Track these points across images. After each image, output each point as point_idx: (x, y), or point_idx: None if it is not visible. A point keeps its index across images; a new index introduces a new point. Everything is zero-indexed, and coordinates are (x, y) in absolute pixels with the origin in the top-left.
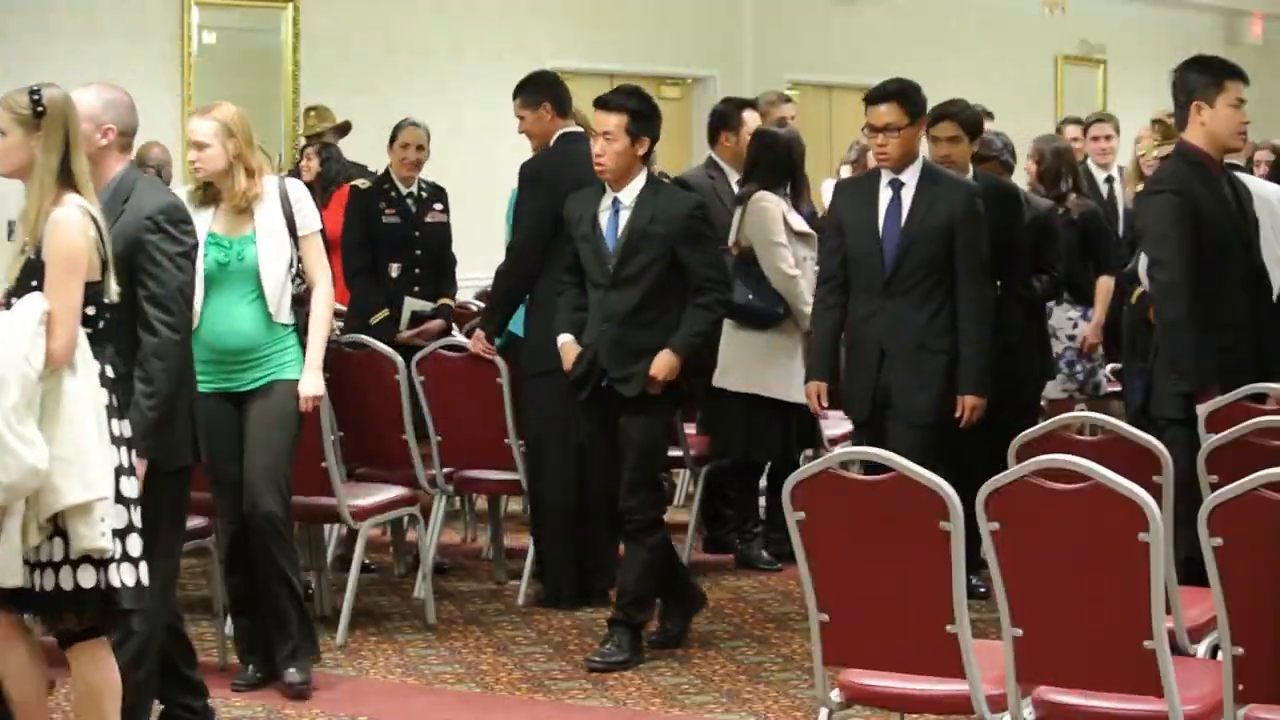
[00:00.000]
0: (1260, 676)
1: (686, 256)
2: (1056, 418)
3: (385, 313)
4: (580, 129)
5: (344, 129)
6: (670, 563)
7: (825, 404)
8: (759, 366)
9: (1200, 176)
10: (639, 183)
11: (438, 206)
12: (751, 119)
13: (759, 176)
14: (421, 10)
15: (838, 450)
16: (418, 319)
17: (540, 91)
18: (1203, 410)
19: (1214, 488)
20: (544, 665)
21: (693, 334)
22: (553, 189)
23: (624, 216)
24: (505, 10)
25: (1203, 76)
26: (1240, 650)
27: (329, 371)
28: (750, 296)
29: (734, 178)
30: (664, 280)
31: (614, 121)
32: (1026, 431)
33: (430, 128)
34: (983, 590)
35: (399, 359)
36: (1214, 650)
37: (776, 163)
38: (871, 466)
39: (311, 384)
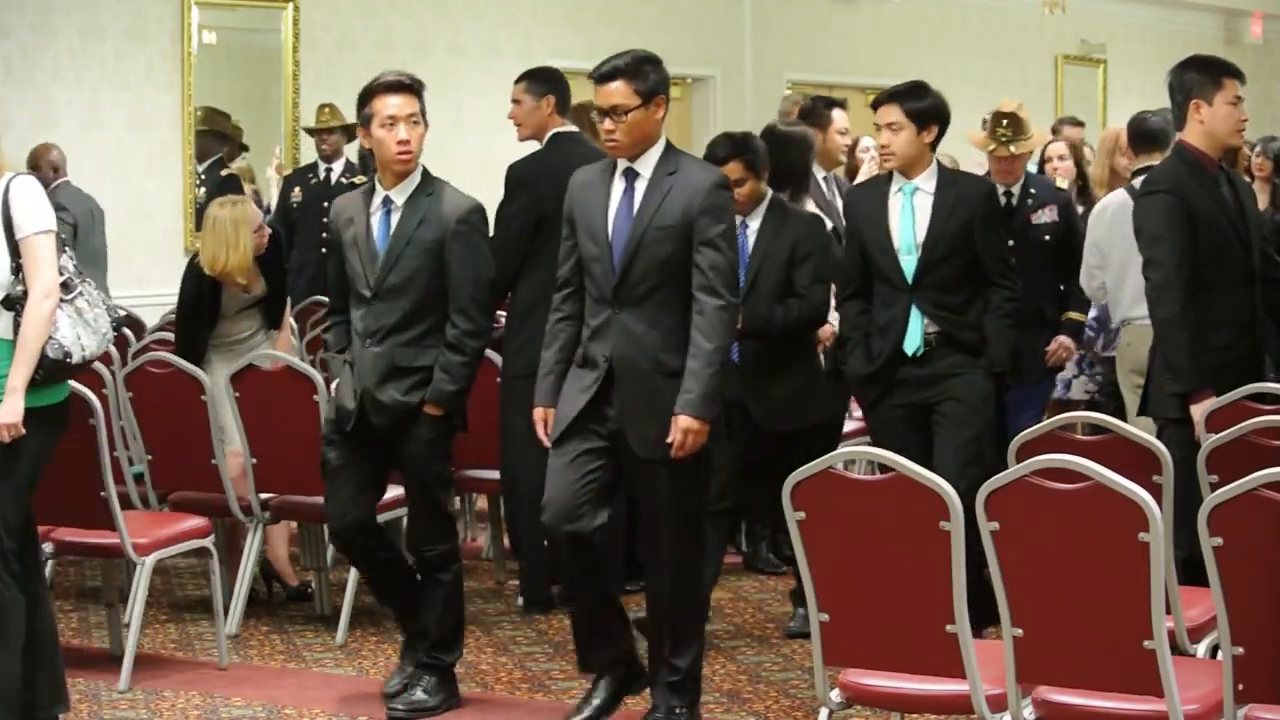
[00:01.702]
0: (1260, 676)
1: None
2: (1056, 418)
3: None
4: (574, 129)
5: (353, 132)
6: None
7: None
8: None
9: (1196, 176)
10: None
11: None
12: (840, 118)
13: (778, 179)
14: (421, 10)
15: (838, 450)
16: None
17: (547, 84)
18: (1197, 411)
19: (1214, 488)
20: (544, 665)
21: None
22: (535, 191)
23: (394, 218)
24: (505, 10)
25: (1201, 75)
26: (1240, 650)
27: (327, 370)
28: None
29: (821, 176)
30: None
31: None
32: (1026, 431)
33: (430, 127)
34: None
35: None
36: (1214, 650)
37: (774, 162)
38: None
39: (7, 410)
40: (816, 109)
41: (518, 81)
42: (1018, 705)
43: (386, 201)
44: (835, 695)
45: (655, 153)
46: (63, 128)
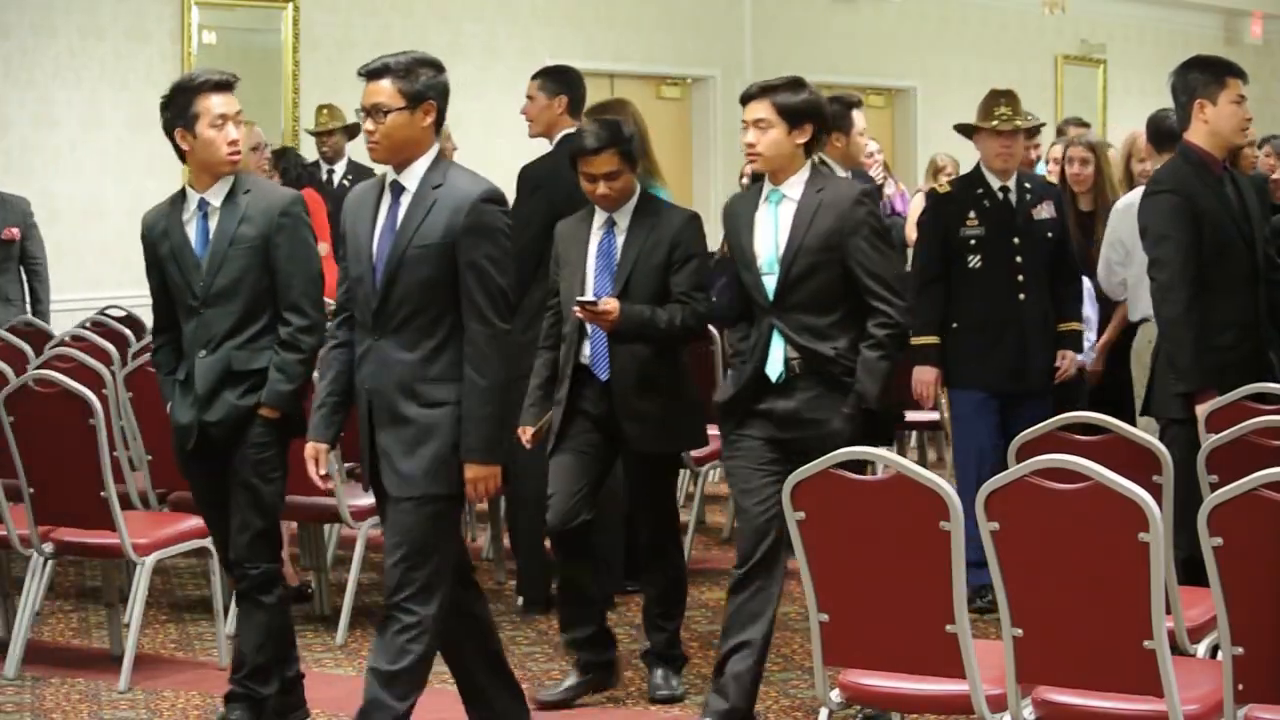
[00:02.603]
0: (1260, 676)
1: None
2: (1056, 418)
3: None
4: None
5: (354, 131)
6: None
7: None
8: None
9: (1201, 176)
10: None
11: None
12: (861, 118)
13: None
14: (421, 10)
15: (838, 450)
16: None
17: (563, 85)
18: (1201, 411)
19: (1214, 488)
20: (544, 665)
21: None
22: (547, 193)
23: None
24: (505, 10)
25: (1204, 75)
26: (1240, 650)
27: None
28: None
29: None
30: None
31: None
32: (1026, 431)
33: None
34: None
35: None
36: (1214, 650)
37: None
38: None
39: None
40: (837, 110)
41: (534, 78)
42: (1018, 705)
43: (202, 204)
44: (835, 695)
45: (422, 164)
46: (63, 128)
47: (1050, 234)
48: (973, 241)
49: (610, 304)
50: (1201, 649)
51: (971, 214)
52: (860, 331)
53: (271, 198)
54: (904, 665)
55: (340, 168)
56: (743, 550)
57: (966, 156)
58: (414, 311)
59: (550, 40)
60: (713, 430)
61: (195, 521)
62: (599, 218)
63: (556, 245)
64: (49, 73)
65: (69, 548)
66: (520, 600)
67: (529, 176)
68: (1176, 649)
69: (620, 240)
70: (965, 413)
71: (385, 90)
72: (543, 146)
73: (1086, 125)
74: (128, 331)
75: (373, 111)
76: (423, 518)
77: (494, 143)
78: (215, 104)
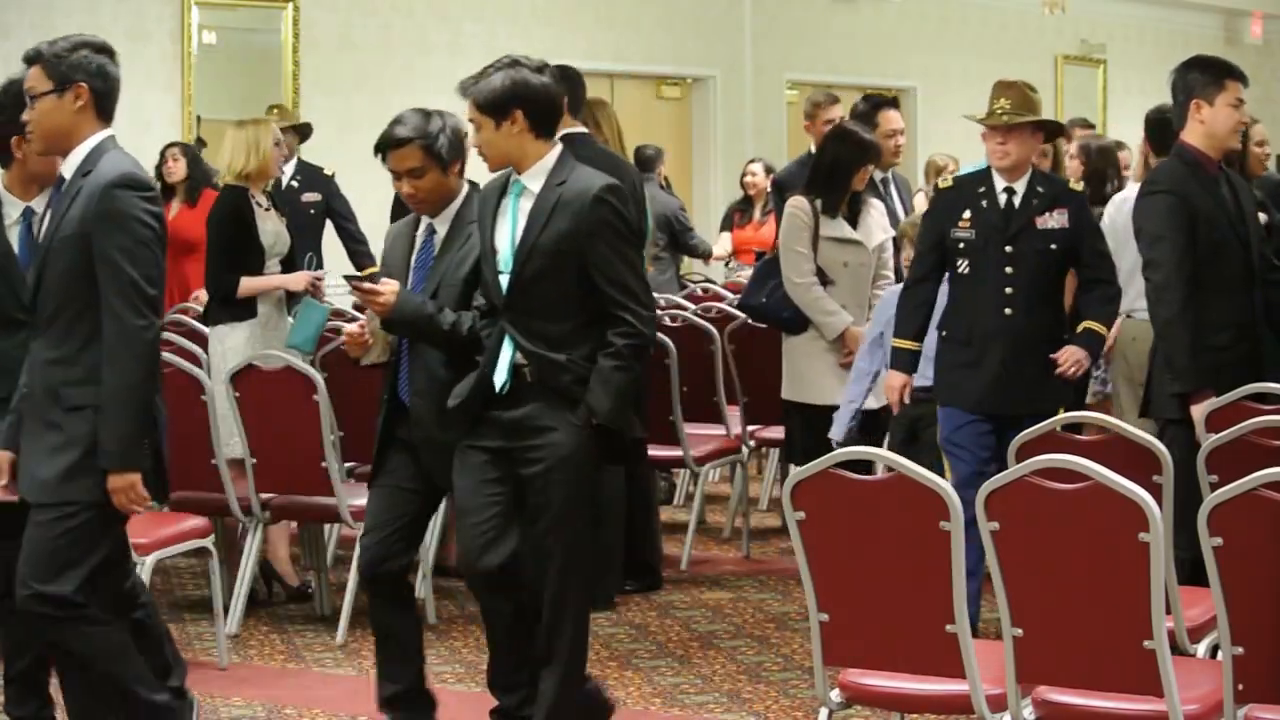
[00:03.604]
0: (1260, 676)
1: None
2: (1056, 418)
3: None
4: (583, 130)
5: (306, 131)
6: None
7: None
8: (789, 371)
9: (1197, 176)
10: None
11: None
12: (887, 120)
13: (809, 180)
14: (421, 10)
15: (838, 450)
16: None
17: (561, 84)
18: (1198, 412)
19: (1214, 487)
20: None
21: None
22: None
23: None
24: (505, 10)
25: (1203, 76)
26: (1240, 650)
27: (326, 370)
28: (764, 300)
29: (879, 178)
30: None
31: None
32: (1026, 431)
33: None
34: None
35: None
36: (1214, 650)
37: (816, 169)
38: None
39: None
40: (866, 112)
41: None
42: (1018, 705)
43: (27, 214)
44: (835, 695)
45: (79, 153)
46: None
47: (1055, 245)
48: (961, 245)
49: (389, 284)
50: (1201, 649)
51: (966, 214)
52: (603, 341)
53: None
54: (904, 665)
55: (290, 168)
56: (458, 560)
57: (967, 156)
58: (57, 309)
59: (550, 40)
60: (713, 430)
61: (195, 521)
62: (423, 222)
63: (384, 248)
64: None
65: None
66: None
67: None
68: (1176, 649)
69: (437, 249)
70: (951, 433)
71: (33, 75)
72: None
73: (1091, 126)
74: None
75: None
76: (58, 527)
77: None
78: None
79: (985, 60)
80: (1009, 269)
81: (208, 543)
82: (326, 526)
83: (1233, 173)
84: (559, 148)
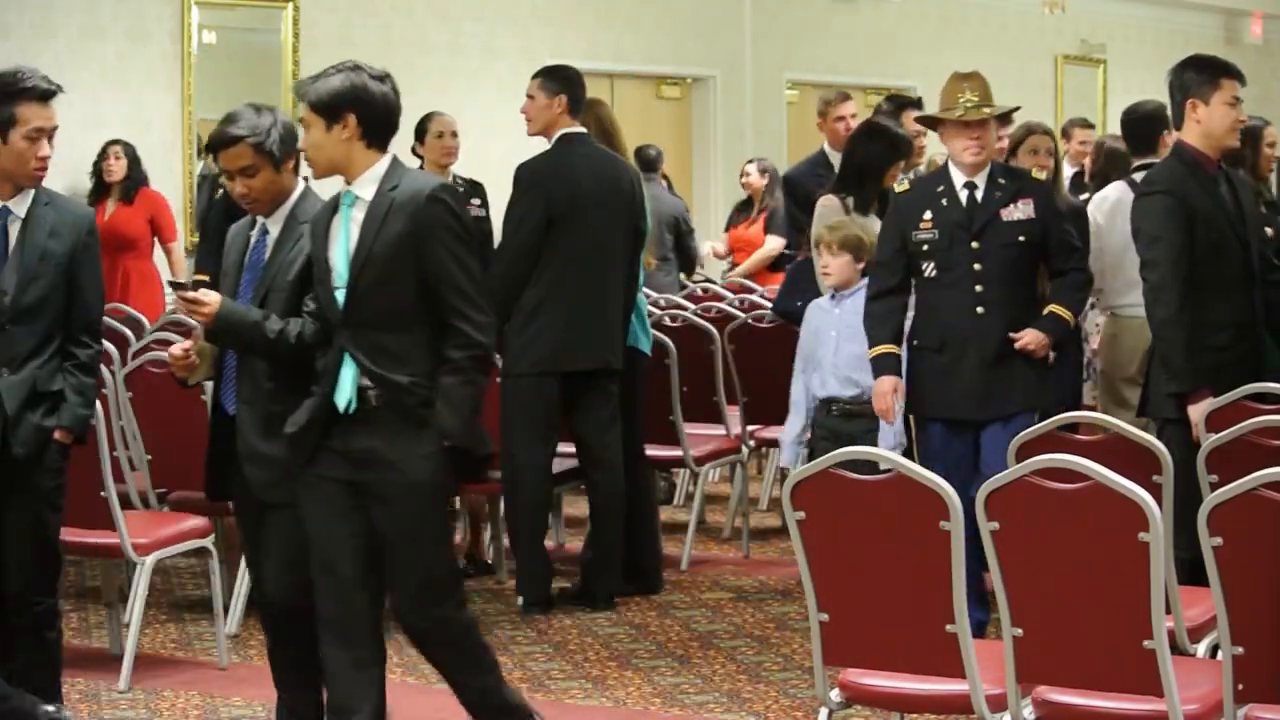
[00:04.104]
0: (1260, 676)
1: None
2: (1056, 417)
3: None
4: (582, 130)
5: None
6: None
7: None
8: None
9: (1195, 176)
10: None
11: (475, 202)
12: (911, 121)
13: (839, 178)
14: (421, 10)
15: (838, 450)
16: None
17: (562, 84)
18: (1195, 412)
19: (1214, 487)
20: (544, 665)
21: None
22: (545, 191)
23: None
24: (505, 10)
25: (1199, 75)
26: (1240, 650)
27: None
28: (799, 303)
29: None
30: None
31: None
32: (1026, 431)
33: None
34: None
35: None
36: (1214, 650)
37: (846, 166)
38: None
39: None
40: (887, 110)
41: (534, 77)
42: (1018, 705)
43: (3, 213)
44: (835, 695)
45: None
46: (62, 127)
47: (1023, 237)
48: (925, 247)
49: (210, 294)
50: (1201, 649)
51: (926, 215)
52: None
53: (77, 214)
54: (904, 665)
55: None
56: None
57: None
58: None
59: (550, 40)
60: (713, 430)
61: (195, 521)
62: (258, 222)
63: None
64: (49, 73)
65: (69, 547)
66: (520, 600)
67: (525, 174)
68: (1176, 649)
69: (269, 251)
70: (929, 446)
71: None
72: (541, 145)
73: (1091, 126)
74: (128, 331)
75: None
76: None
77: (493, 142)
78: (36, 115)
79: (985, 60)
80: (977, 266)
81: (208, 543)
82: None
83: (1233, 172)
84: (390, 157)
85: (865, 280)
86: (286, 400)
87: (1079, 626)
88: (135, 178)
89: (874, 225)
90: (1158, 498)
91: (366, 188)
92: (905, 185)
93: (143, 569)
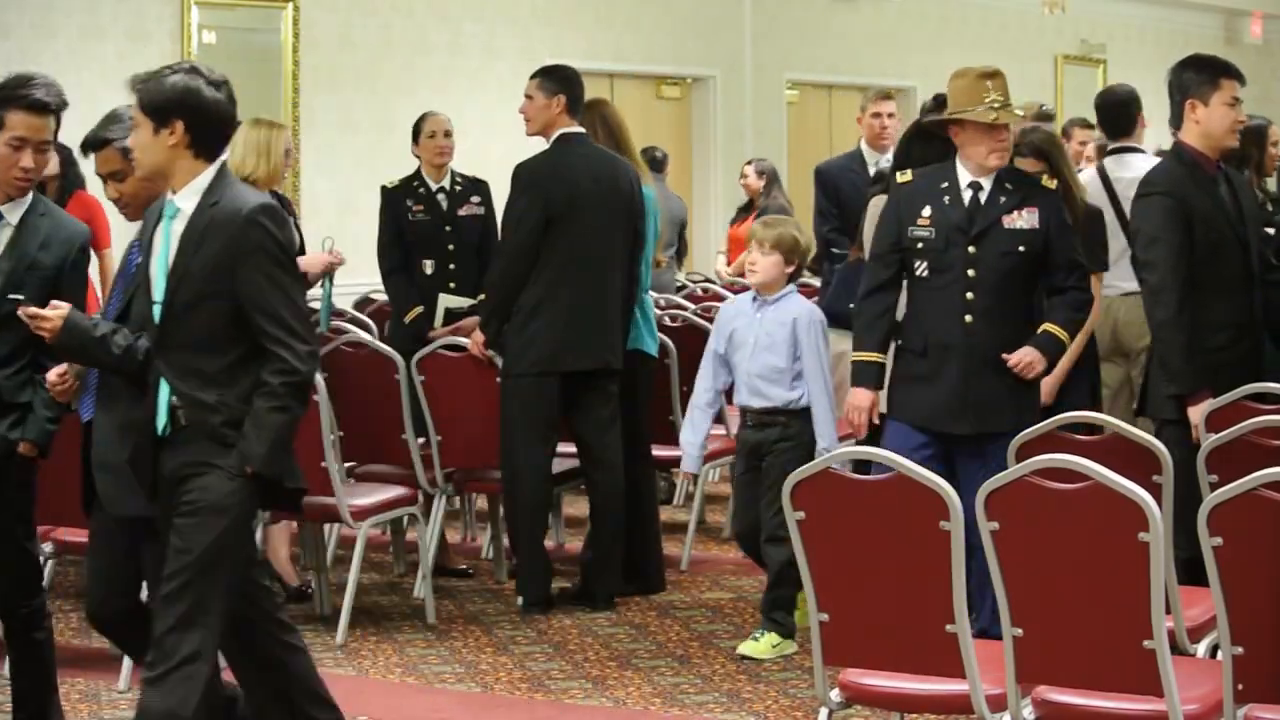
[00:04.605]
0: (1260, 676)
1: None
2: (1055, 417)
3: (419, 310)
4: (581, 130)
5: None
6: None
7: None
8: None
9: (1194, 176)
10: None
11: (474, 200)
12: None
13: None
14: (421, 10)
15: (838, 450)
16: (453, 316)
17: (561, 84)
18: (1195, 413)
19: (1214, 487)
20: (544, 665)
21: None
22: (544, 191)
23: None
24: (505, 10)
25: (1198, 75)
26: (1240, 650)
27: (326, 370)
28: (851, 305)
29: None
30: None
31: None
32: (1026, 431)
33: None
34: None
35: (398, 358)
36: (1214, 650)
37: (900, 166)
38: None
39: None
40: (936, 109)
41: (533, 77)
42: (1018, 705)
43: None
44: (835, 695)
45: None
46: (62, 128)
47: (1024, 247)
48: (920, 245)
49: (54, 311)
50: (1201, 649)
51: (926, 211)
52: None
53: (70, 228)
54: (904, 665)
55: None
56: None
57: None
58: None
59: (550, 40)
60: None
61: None
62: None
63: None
64: (49, 72)
65: (69, 547)
66: (520, 600)
67: (523, 174)
68: (1176, 649)
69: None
70: (894, 447)
71: None
72: (541, 145)
73: (1091, 126)
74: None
75: None
76: None
77: (493, 142)
78: (21, 124)
79: (985, 60)
80: (971, 271)
81: None
82: (326, 526)
83: (1232, 171)
84: (215, 168)
85: (790, 288)
86: (131, 406)
87: (1079, 626)
88: (70, 179)
89: None
90: (1158, 498)
91: (188, 199)
92: (908, 176)
93: None
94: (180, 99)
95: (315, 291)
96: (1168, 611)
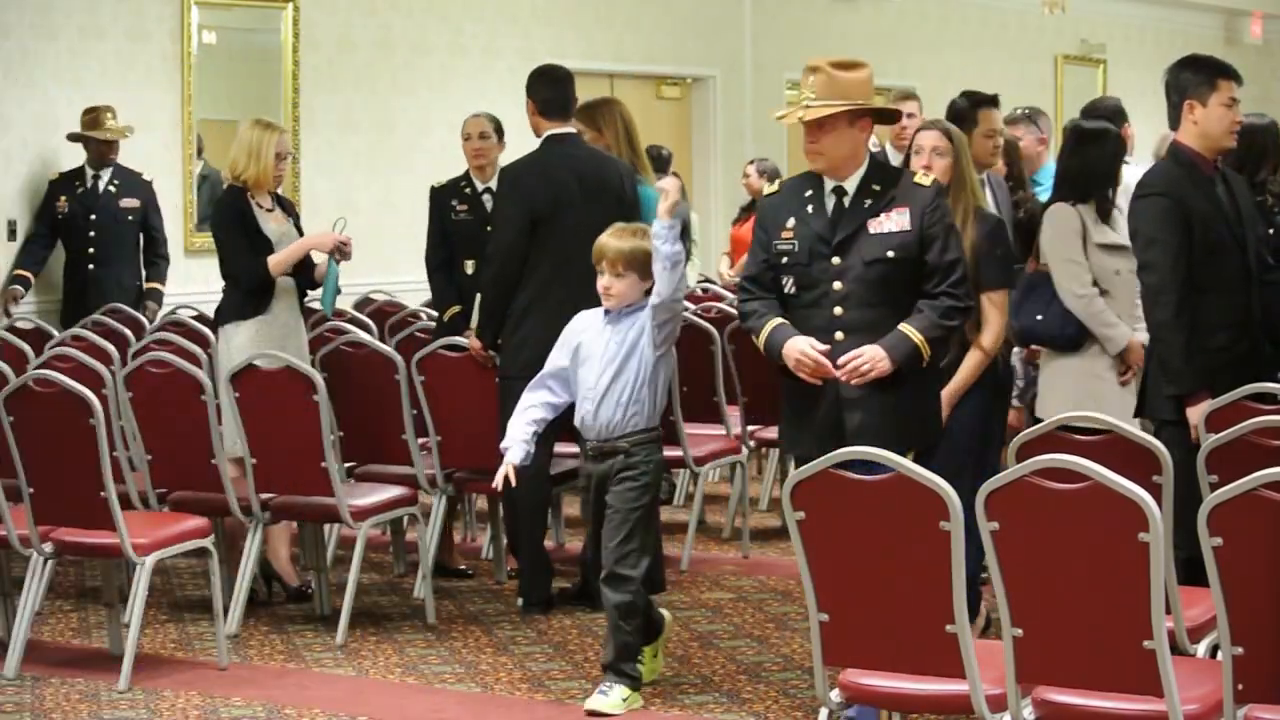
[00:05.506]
0: (1260, 676)
1: None
2: (1056, 417)
3: (457, 308)
4: (570, 130)
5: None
6: None
7: None
8: (1071, 392)
9: (1192, 177)
10: None
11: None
12: (988, 119)
13: (1061, 187)
14: (421, 10)
15: (838, 450)
16: None
17: (530, 87)
18: (1193, 414)
19: (1214, 487)
20: (544, 665)
21: None
22: (528, 192)
23: None
24: (505, 10)
25: (1196, 75)
26: (1240, 650)
27: (326, 370)
28: (1039, 318)
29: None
30: None
31: None
32: (1026, 431)
33: (429, 127)
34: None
35: (399, 358)
36: (1214, 650)
37: (1083, 171)
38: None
39: None
40: (964, 109)
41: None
42: (1018, 705)
43: None
44: (835, 695)
45: None
46: (63, 128)
47: (894, 253)
48: (784, 260)
49: None
50: (1201, 649)
51: (789, 223)
52: None
53: None
54: (904, 665)
55: (107, 174)
56: None
57: None
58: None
59: (550, 40)
60: (713, 430)
61: (195, 521)
62: None
63: None
64: (49, 73)
65: (69, 548)
66: (520, 600)
67: (507, 176)
68: (1176, 649)
69: None
70: None
71: None
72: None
73: None
74: (127, 331)
75: None
76: None
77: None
78: None
79: (985, 60)
80: (837, 285)
81: (208, 543)
82: (326, 526)
83: (1230, 172)
84: None
85: (647, 300)
86: None
87: (1079, 627)
88: None
89: (1107, 234)
90: (1158, 498)
91: None
92: (774, 188)
93: (142, 569)
94: None
95: (321, 271)
96: (1168, 612)
